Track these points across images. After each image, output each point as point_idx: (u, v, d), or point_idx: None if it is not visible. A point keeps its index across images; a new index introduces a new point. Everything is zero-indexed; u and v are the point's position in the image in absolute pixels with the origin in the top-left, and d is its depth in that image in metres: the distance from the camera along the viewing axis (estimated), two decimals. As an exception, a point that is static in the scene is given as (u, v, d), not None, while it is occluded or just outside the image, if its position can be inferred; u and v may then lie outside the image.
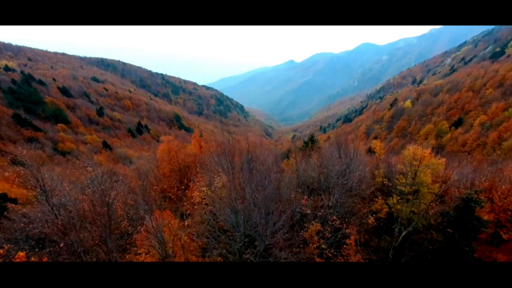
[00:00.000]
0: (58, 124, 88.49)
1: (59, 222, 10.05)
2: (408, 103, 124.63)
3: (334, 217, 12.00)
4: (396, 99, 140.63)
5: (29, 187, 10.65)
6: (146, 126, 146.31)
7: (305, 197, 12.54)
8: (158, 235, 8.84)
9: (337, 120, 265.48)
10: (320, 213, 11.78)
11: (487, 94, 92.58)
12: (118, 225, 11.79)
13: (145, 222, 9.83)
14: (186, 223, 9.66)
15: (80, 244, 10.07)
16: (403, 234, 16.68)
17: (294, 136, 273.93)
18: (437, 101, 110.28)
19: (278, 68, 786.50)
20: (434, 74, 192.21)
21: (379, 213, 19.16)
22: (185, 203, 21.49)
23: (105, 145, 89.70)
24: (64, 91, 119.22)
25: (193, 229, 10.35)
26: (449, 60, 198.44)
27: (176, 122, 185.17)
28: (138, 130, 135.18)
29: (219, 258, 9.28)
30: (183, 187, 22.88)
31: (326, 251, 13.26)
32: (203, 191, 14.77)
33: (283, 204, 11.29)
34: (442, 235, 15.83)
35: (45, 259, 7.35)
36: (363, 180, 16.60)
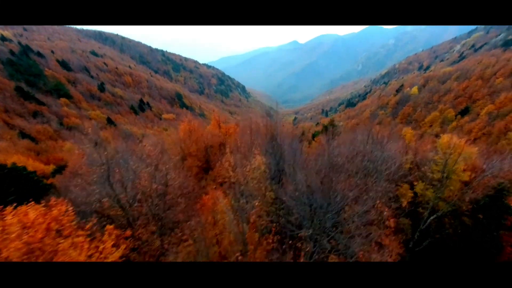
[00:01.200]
0: (61, 99, 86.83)
1: (125, 197, 10.15)
2: (414, 89, 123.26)
3: (378, 201, 12.29)
4: (402, 85, 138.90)
5: (97, 165, 10.44)
6: (148, 103, 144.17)
7: (350, 180, 12.78)
8: (234, 211, 9.03)
9: (340, 104, 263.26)
10: (366, 197, 12.05)
11: (496, 83, 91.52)
12: (173, 201, 12.01)
13: (203, 200, 9.99)
14: (256, 203, 9.85)
15: (137, 218, 10.28)
16: (431, 218, 17.24)
17: (295, 118, 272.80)
18: (445, 89, 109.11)
19: (280, 49, 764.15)
20: (442, 60, 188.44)
21: (403, 198, 19.63)
22: (212, 181, 21.68)
23: (109, 121, 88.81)
24: (64, 65, 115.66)
25: (262, 209, 10.63)
26: (458, 47, 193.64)
27: (177, 100, 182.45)
28: (140, 107, 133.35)
29: (278, 236, 9.62)
30: (208, 167, 23.00)
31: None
32: (238, 171, 14.92)
33: (332, 186, 11.50)
34: (471, 220, 16.39)
35: (110, 227, 7.43)
36: (401, 166, 16.82)
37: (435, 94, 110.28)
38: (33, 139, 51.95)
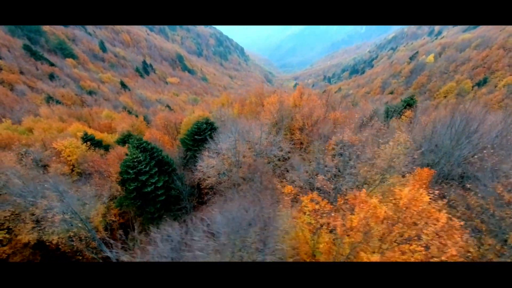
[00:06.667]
0: (67, 59, 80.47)
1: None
2: (430, 57, 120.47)
3: None
4: (417, 52, 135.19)
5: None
6: (151, 65, 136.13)
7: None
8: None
9: (343, 71, 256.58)
10: None
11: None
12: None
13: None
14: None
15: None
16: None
17: (296, 84, 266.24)
18: (463, 58, 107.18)
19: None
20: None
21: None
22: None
23: (123, 85, 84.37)
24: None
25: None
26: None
27: (179, 62, 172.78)
28: (145, 70, 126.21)
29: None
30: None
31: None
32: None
33: None
34: None
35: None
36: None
37: (452, 63, 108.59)
38: (60, 103, 49.25)
